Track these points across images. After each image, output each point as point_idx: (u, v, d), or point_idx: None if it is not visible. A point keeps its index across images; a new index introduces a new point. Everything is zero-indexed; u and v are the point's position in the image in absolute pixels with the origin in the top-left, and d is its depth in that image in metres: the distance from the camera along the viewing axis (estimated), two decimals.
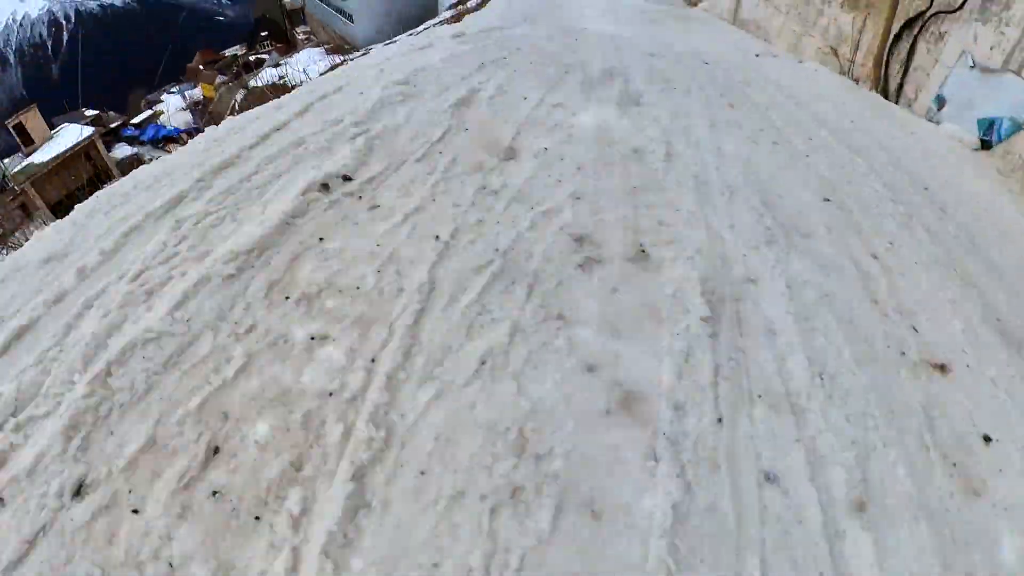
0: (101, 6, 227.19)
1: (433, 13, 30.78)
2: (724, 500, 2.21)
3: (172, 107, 52.89)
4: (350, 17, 31.27)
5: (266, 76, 32.13)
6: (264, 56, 42.74)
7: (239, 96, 33.44)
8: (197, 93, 46.88)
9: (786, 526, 2.18)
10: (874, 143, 5.61)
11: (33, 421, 2.34)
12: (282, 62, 33.58)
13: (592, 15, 12.20)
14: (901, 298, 3.45)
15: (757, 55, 9.83)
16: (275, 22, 46.14)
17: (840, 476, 2.39)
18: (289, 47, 45.08)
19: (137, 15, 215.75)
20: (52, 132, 41.02)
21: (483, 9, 15.75)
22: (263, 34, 46.74)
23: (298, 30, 45.77)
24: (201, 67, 61.80)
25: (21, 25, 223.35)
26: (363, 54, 21.55)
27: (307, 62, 31.35)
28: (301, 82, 28.89)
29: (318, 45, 36.94)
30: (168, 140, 40.15)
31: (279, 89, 30.79)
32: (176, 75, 72.00)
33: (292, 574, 1.93)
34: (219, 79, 42.04)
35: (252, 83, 33.01)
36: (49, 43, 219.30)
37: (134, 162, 36.92)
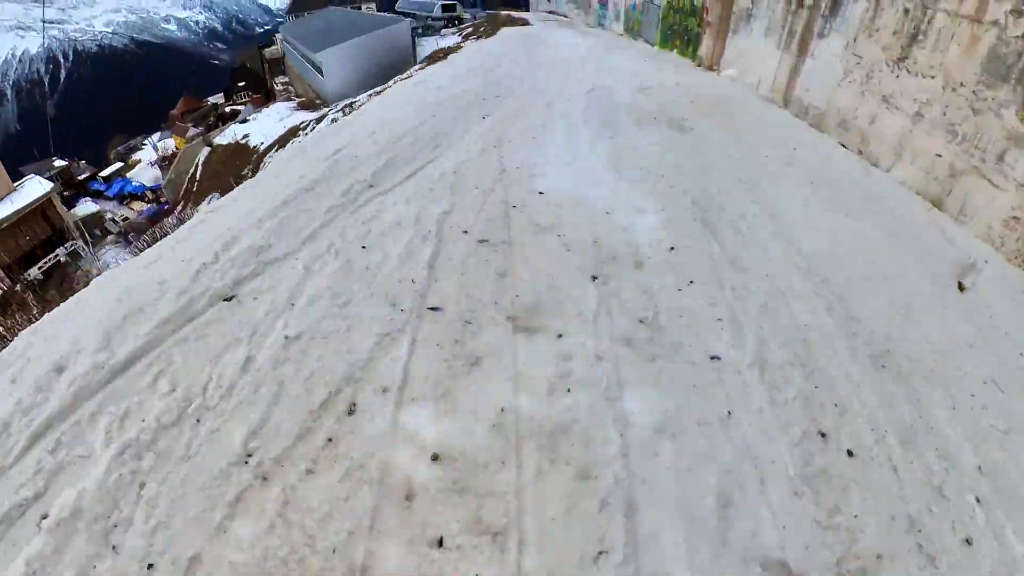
0: (99, 46, 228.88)
1: (410, 62, 29.43)
2: None
3: (147, 157, 51.45)
4: (320, 70, 29.74)
5: (230, 134, 30.43)
6: (240, 107, 41.40)
7: (203, 154, 31.77)
8: (172, 144, 45.40)
9: None
10: None
11: None
12: (251, 117, 31.92)
13: (574, 100, 9.80)
14: None
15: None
16: (254, 72, 44.96)
17: None
18: (267, 98, 43.78)
19: (133, 56, 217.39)
20: (16, 184, 39.05)
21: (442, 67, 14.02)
22: (240, 84, 45.41)
23: (278, 80, 44.50)
24: (182, 114, 60.66)
25: (20, 61, 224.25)
26: (318, 119, 19.74)
27: (275, 119, 29.69)
28: (260, 144, 27.32)
29: (290, 99, 35.42)
30: (133, 197, 38.34)
31: (240, 151, 29.21)
32: (160, 121, 70.93)
33: None
34: (192, 131, 40.51)
35: (217, 139, 31.31)
36: (46, 79, 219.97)
37: (96, 220, 34.96)
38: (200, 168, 31.33)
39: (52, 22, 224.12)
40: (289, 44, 36.96)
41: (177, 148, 42.55)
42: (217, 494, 2.82)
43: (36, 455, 2.98)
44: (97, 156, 57.21)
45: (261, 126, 29.44)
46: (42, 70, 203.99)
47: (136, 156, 52.66)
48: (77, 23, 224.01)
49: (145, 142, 55.66)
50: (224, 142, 30.21)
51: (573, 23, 28.46)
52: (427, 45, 40.92)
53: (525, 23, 29.97)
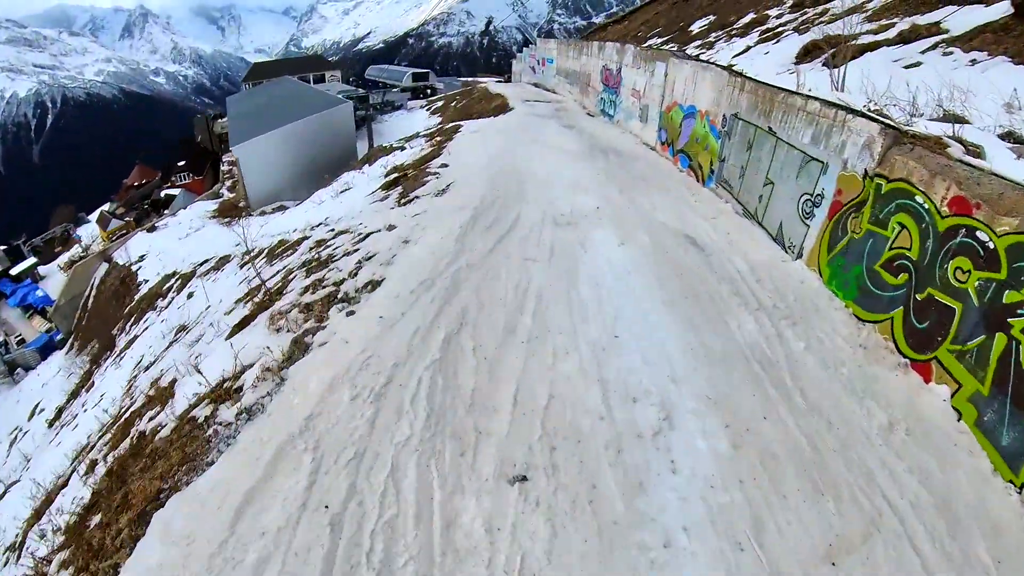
0: (88, 93, 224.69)
1: (350, 156, 22.57)
2: None
3: (87, 237, 44.13)
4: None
5: (127, 250, 23.07)
6: (175, 192, 34.28)
7: (99, 273, 24.56)
8: (97, 233, 38.14)
9: None
10: None
11: None
12: (160, 224, 24.63)
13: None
14: None
15: None
16: (202, 147, 37.99)
17: None
18: (215, 179, 36.71)
19: (120, 106, 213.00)
20: None
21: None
22: (180, 163, 38.14)
23: (225, 159, 37.45)
24: (132, 186, 53.50)
25: (8, 103, 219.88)
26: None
27: (183, 231, 22.40)
28: (144, 283, 20.08)
29: (217, 195, 28.23)
30: (32, 310, 30.73)
31: (128, 283, 21.96)
32: (116, 189, 63.68)
33: None
34: (113, 223, 33.33)
35: (117, 255, 23.94)
36: (33, 123, 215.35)
37: None
38: (94, 291, 23.89)
39: (43, 67, 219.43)
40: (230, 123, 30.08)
41: (103, 239, 35.15)
42: None
43: None
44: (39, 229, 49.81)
45: (166, 241, 22.14)
46: (30, 113, 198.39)
47: (79, 233, 45.26)
48: (68, 70, 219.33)
49: (85, 219, 48.13)
50: (121, 261, 22.82)
51: (566, 105, 21.55)
52: (390, 121, 34.29)
53: (504, 107, 23.13)
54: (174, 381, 5.43)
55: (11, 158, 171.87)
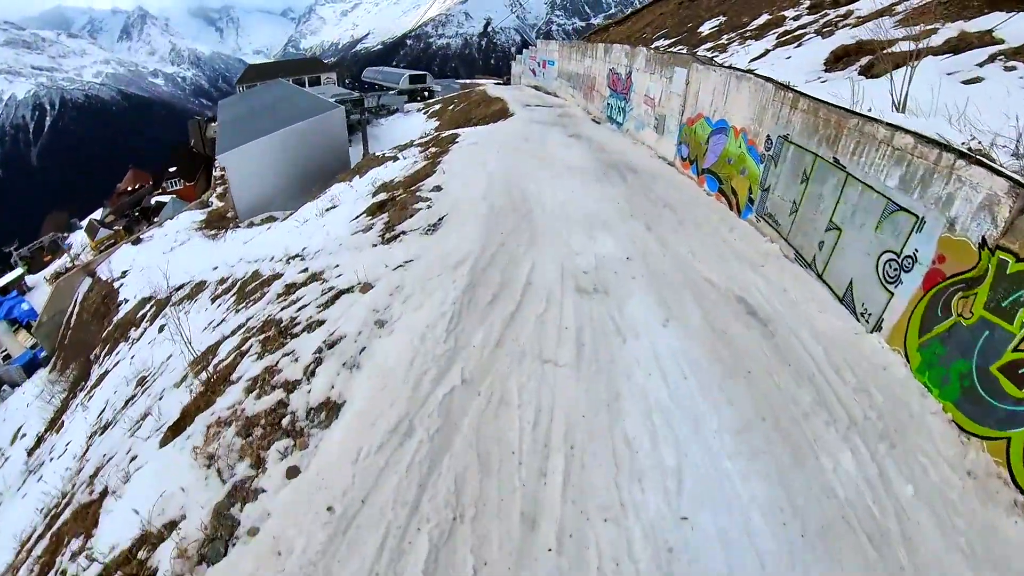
0: (86, 95, 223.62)
1: (342, 163, 21.41)
2: None
3: (77, 245, 42.97)
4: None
5: (111, 263, 21.96)
6: (166, 199, 33.09)
7: (82, 288, 23.42)
8: (86, 241, 36.96)
9: None
10: None
11: None
12: (145, 236, 23.48)
13: None
14: None
15: None
16: (194, 156, 36.78)
17: None
18: (205, 185, 35.55)
19: (119, 108, 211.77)
20: None
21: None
22: (171, 169, 36.92)
23: (217, 165, 36.30)
24: (125, 191, 52.26)
25: (6, 105, 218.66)
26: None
27: (168, 243, 21.28)
28: (124, 302, 18.93)
29: (206, 204, 27.09)
30: (17, 324, 29.58)
31: (111, 300, 20.84)
32: (109, 194, 62.33)
33: None
34: (102, 232, 32.10)
35: (100, 269, 22.78)
36: (31, 126, 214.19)
37: None
38: (77, 308, 22.73)
39: (41, 69, 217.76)
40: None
41: (92, 248, 33.98)
42: None
43: None
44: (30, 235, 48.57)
45: (150, 255, 20.99)
46: (28, 116, 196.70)
47: (71, 240, 44.12)
48: (66, 72, 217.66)
49: (78, 225, 46.93)
50: (104, 276, 21.68)
51: (569, 110, 20.41)
52: (386, 125, 33.15)
53: (504, 112, 21.99)
54: (104, 495, 4.26)
55: (9, 161, 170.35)
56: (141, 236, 23.67)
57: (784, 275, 6.48)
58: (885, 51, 9.36)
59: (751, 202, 7.99)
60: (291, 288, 6.46)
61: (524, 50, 32.01)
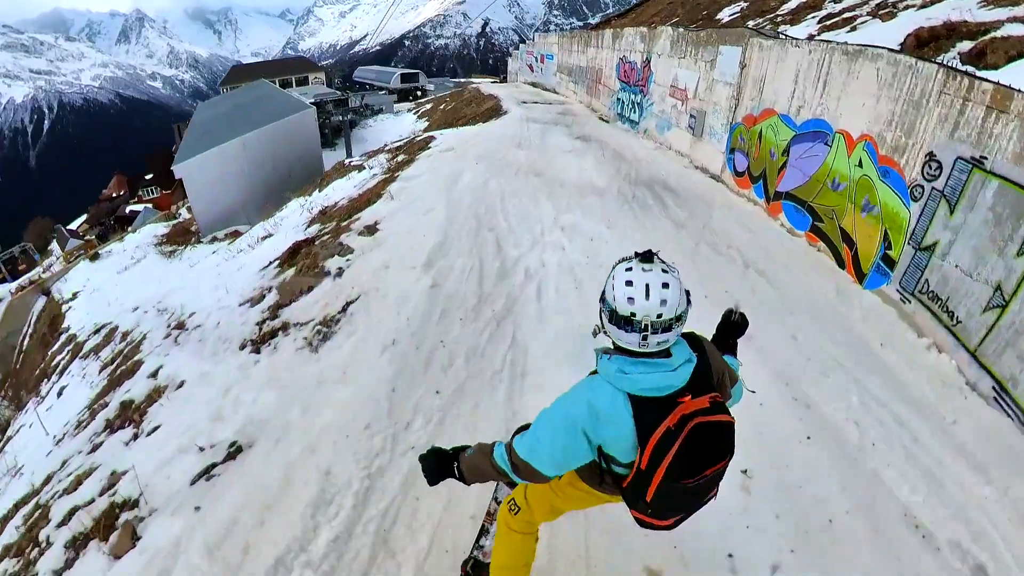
0: (85, 98, 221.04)
1: (315, 169, 18.91)
2: None
3: (56, 253, 40.48)
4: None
5: (65, 282, 19.54)
6: (139, 209, 30.56)
7: (37, 307, 21.02)
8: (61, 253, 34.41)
9: None
10: None
11: None
12: (104, 251, 21.01)
13: None
14: None
15: None
16: (172, 162, 34.32)
17: None
18: (183, 194, 33.04)
19: (117, 111, 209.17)
20: None
21: None
22: (147, 177, 34.32)
23: None
24: (111, 197, 49.77)
25: (5, 108, 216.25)
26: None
27: (125, 261, 18.83)
28: (68, 329, 16.43)
29: (172, 216, 24.63)
30: None
31: (55, 325, 18.44)
32: (95, 199, 59.71)
33: None
34: (72, 243, 29.61)
35: (55, 287, 20.30)
36: (30, 129, 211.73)
37: None
38: (31, 329, 20.27)
39: (40, 72, 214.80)
40: None
41: (65, 261, 31.43)
42: None
43: None
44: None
45: (105, 274, 18.53)
46: (26, 119, 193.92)
47: (54, 247, 41.59)
48: (65, 75, 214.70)
49: (52, 247, 44.42)
50: (58, 296, 19.22)
51: (570, 107, 17.90)
52: (375, 126, 30.61)
53: (496, 110, 19.44)
54: None
55: (8, 164, 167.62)
56: (99, 251, 21.18)
57: (987, 440, 3.31)
58: (994, 35, 6.85)
59: (889, 264, 4.79)
60: (112, 385, 3.87)
61: (521, 45, 29.53)
